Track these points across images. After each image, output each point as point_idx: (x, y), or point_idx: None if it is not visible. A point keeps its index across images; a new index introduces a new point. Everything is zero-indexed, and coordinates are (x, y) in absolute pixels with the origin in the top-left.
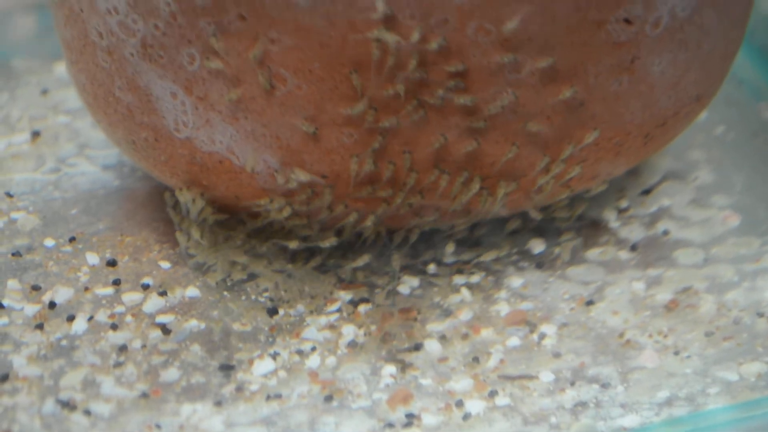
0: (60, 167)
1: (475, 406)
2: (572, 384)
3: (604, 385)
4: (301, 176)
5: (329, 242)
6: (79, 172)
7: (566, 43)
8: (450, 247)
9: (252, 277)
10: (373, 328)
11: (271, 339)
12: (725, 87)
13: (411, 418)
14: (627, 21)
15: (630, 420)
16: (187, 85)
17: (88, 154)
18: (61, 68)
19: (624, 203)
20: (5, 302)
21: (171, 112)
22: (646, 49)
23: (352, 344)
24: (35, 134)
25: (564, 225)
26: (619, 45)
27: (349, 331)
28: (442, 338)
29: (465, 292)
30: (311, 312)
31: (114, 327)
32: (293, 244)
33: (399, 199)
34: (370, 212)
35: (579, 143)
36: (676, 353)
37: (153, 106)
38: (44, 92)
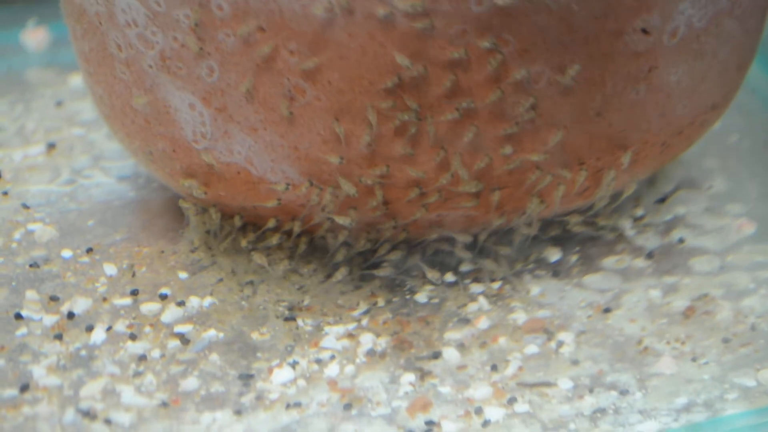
0: (75, 179)
1: (494, 413)
2: (591, 391)
3: (623, 392)
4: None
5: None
6: (94, 184)
7: (584, 53)
8: (466, 254)
9: (271, 285)
10: (391, 336)
11: (289, 348)
12: (739, 96)
13: (431, 426)
14: (644, 31)
15: (649, 426)
16: (205, 96)
17: (103, 166)
18: (75, 80)
19: (640, 211)
20: (24, 313)
21: (189, 123)
22: (664, 58)
23: (371, 353)
24: (50, 146)
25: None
26: (637, 55)
27: (367, 339)
28: (461, 346)
29: (482, 301)
30: (330, 321)
31: (133, 337)
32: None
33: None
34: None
35: (599, 154)
36: (694, 360)
37: (171, 117)
38: (59, 104)
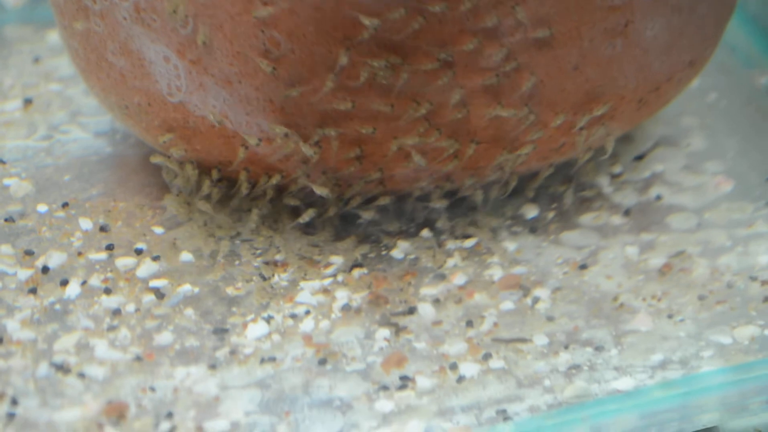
0: (52, 134)
1: (469, 369)
2: (566, 347)
3: (598, 348)
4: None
5: (322, 191)
6: (71, 139)
7: (560, 6)
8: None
9: (245, 240)
10: (366, 292)
11: (264, 303)
12: (717, 54)
13: (405, 381)
14: None
15: (624, 383)
16: (180, 48)
17: (80, 121)
18: (53, 36)
19: (617, 169)
20: None
21: (164, 76)
22: (640, 12)
23: (346, 308)
24: (27, 101)
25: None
26: (613, 9)
27: (342, 295)
28: (436, 302)
29: (458, 257)
30: (305, 276)
31: (107, 291)
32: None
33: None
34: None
35: (575, 109)
36: (670, 317)
37: (146, 70)
38: (36, 60)
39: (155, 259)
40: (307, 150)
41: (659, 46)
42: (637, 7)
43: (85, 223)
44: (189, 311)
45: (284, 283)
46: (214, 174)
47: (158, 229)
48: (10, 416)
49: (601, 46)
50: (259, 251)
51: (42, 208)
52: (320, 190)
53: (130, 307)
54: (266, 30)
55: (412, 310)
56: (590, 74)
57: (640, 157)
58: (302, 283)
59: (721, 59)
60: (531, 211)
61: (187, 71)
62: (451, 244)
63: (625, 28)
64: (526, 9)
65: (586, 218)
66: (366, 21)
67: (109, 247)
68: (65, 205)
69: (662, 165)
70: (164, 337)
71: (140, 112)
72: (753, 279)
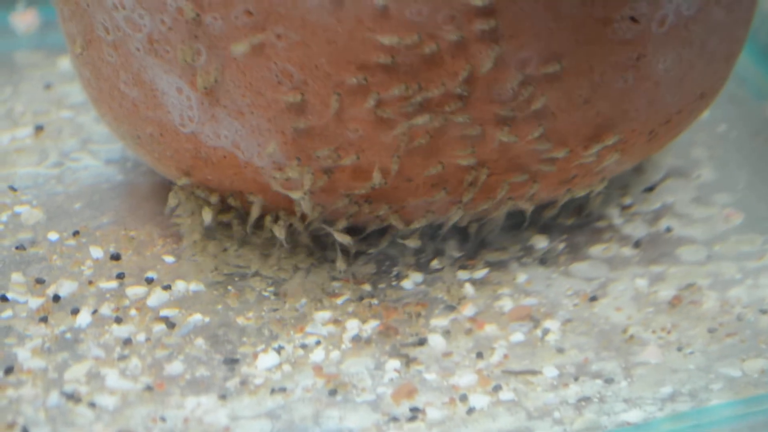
0: (63, 161)
1: (479, 400)
2: (576, 379)
3: (608, 381)
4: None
5: (344, 238)
6: (82, 167)
7: (571, 40)
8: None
9: (256, 273)
10: (377, 322)
11: (275, 333)
12: (728, 85)
13: (415, 412)
14: (633, 19)
15: (633, 415)
16: (192, 80)
17: (91, 149)
18: (64, 63)
19: (627, 200)
20: (9, 295)
21: (176, 107)
22: (652, 46)
23: (356, 338)
24: (38, 128)
25: (570, 222)
26: (625, 43)
27: (353, 325)
28: (446, 333)
29: (468, 288)
30: (316, 307)
31: (118, 320)
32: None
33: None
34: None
35: (586, 142)
36: (680, 349)
37: (158, 101)
38: (48, 87)
39: (166, 288)
40: (308, 180)
41: (670, 79)
42: (649, 41)
43: (96, 252)
44: (199, 341)
45: (295, 313)
46: (232, 201)
47: (169, 258)
48: None
49: (613, 80)
50: (270, 281)
51: (53, 236)
52: (342, 238)
53: (141, 337)
54: (279, 62)
55: (422, 341)
56: (601, 107)
57: (650, 189)
58: (313, 314)
59: (731, 91)
60: (541, 243)
61: (199, 102)
62: (461, 275)
63: (636, 61)
64: (534, 41)
65: (596, 250)
66: (385, 40)
67: (120, 276)
68: (76, 233)
69: (672, 196)
70: (175, 367)
71: (152, 142)
72: (763, 312)
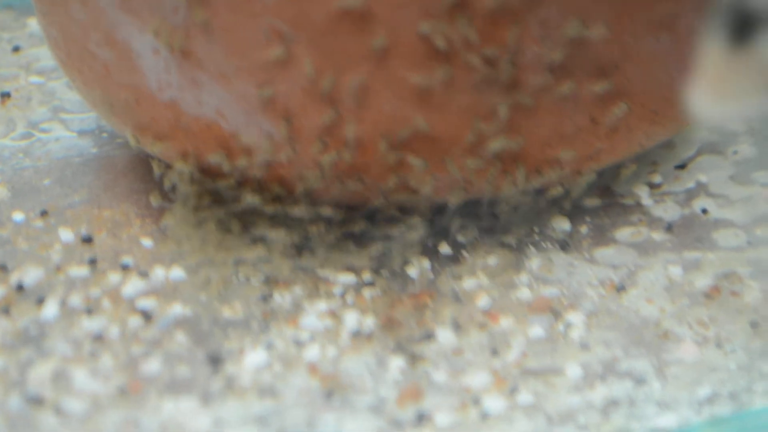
0: (32, 132)
1: (493, 404)
2: (602, 379)
3: (639, 381)
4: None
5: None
6: (53, 138)
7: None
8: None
9: (243, 258)
10: (379, 315)
11: (264, 327)
12: None
13: (422, 418)
14: None
15: (667, 419)
16: (171, 40)
17: (63, 118)
18: (34, 23)
19: (657, 178)
20: None
21: (153, 71)
22: (689, 4)
23: (356, 333)
24: (5, 96)
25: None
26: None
27: (352, 318)
28: (457, 327)
29: (482, 276)
30: (310, 297)
31: (89, 312)
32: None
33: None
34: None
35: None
36: (719, 346)
37: (133, 63)
38: (16, 50)
39: (143, 275)
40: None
41: None
42: None
43: (66, 234)
44: (180, 336)
45: (287, 304)
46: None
47: (147, 241)
48: None
49: (644, 41)
50: (260, 267)
51: (18, 216)
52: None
53: (114, 331)
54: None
55: (430, 337)
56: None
57: (682, 166)
58: (307, 305)
59: None
60: (562, 225)
61: (178, 65)
62: (474, 261)
63: (671, 21)
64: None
65: (623, 233)
66: None
67: (92, 262)
68: (44, 213)
69: (706, 175)
70: (151, 366)
71: (127, 110)
72: None
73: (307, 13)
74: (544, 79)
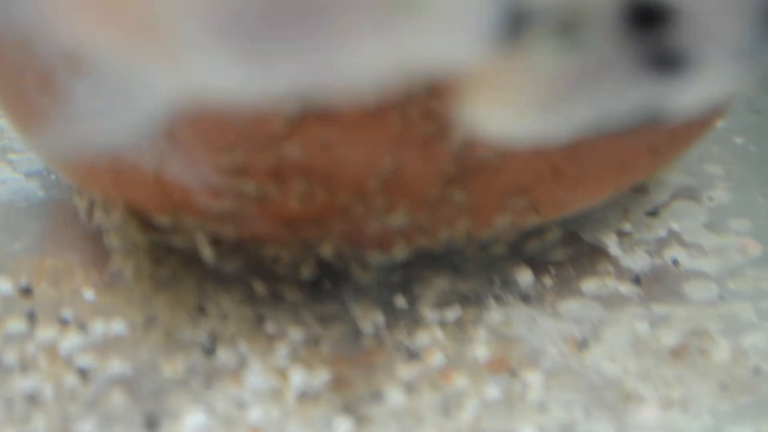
0: None
1: None
2: None
3: None
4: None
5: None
6: None
7: None
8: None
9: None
10: (327, 373)
11: (206, 386)
12: (746, 91)
13: None
14: None
15: None
16: None
17: (9, 159)
18: None
19: (627, 226)
20: None
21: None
22: None
23: (303, 393)
24: None
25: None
26: None
27: (298, 377)
28: (409, 387)
29: (437, 331)
30: (255, 354)
31: (23, 370)
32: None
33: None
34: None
35: None
36: (684, 408)
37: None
38: None
39: (82, 329)
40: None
41: None
42: None
43: (4, 285)
44: (117, 395)
45: (231, 362)
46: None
47: (89, 293)
48: None
49: None
50: (203, 321)
51: None
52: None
53: (49, 391)
54: None
55: (379, 396)
56: None
57: (653, 213)
58: (252, 362)
59: (750, 99)
60: (524, 276)
61: None
62: (429, 315)
63: None
64: None
65: (589, 285)
66: None
67: (30, 315)
68: None
69: (679, 222)
70: (85, 428)
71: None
72: None
73: None
74: None
